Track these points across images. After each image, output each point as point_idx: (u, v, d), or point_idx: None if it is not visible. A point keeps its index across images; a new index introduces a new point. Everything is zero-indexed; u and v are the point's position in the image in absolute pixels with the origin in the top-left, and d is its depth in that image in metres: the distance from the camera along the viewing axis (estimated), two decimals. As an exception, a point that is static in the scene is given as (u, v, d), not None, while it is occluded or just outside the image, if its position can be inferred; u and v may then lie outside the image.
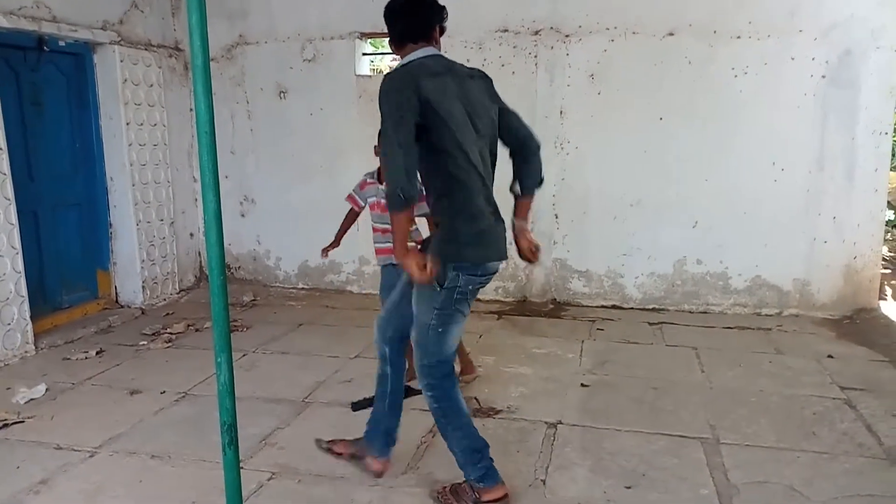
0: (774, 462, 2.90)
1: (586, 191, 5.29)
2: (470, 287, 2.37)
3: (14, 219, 4.23)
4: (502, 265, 2.54)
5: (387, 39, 2.54)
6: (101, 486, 2.74)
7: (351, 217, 3.79)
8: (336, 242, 3.84)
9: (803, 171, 4.96)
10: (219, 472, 2.12)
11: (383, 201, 3.47)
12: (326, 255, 3.86)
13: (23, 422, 3.35)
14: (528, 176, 2.59)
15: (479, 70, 2.54)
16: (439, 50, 2.47)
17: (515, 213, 2.63)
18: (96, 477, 2.81)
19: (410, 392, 3.48)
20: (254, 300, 5.71)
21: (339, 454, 2.89)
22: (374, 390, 2.79)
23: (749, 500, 2.60)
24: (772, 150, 4.97)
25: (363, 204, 3.63)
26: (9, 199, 4.20)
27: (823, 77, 4.82)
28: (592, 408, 3.47)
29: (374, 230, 3.58)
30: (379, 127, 2.40)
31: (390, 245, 3.35)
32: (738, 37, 4.89)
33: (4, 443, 3.13)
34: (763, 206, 5.04)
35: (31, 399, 3.61)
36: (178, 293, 5.81)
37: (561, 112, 5.23)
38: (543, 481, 2.76)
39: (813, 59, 4.82)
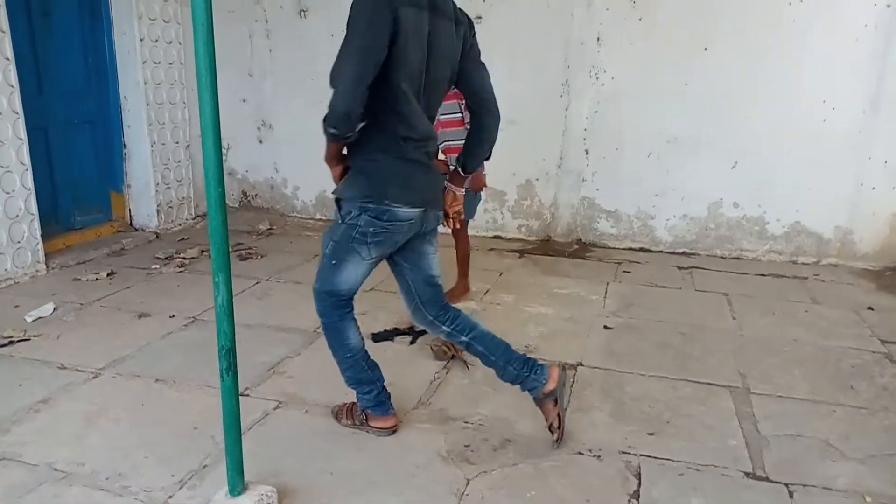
0: (808, 415, 2.72)
1: (620, 125, 4.99)
2: (371, 230, 2.15)
3: (23, 133, 4.09)
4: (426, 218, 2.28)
5: None
6: (102, 407, 2.66)
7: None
8: None
9: (856, 111, 4.59)
10: (219, 399, 2.00)
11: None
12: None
13: (28, 340, 3.28)
14: (476, 151, 2.36)
15: (463, 13, 2.24)
16: None
17: (449, 179, 2.41)
18: (98, 398, 2.73)
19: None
20: (270, 229, 5.58)
21: None
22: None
23: (780, 454, 2.43)
24: (823, 87, 4.61)
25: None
26: (17, 113, 4.04)
27: (889, 6, 4.39)
28: (615, 351, 3.30)
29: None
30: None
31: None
32: (797, -40, 4.47)
33: (9, 360, 3.07)
34: (809, 147, 4.71)
35: (39, 318, 3.54)
36: (193, 219, 5.69)
37: (598, 38, 4.89)
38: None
39: (878, -15, 4.40)
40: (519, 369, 2.40)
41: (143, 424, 2.55)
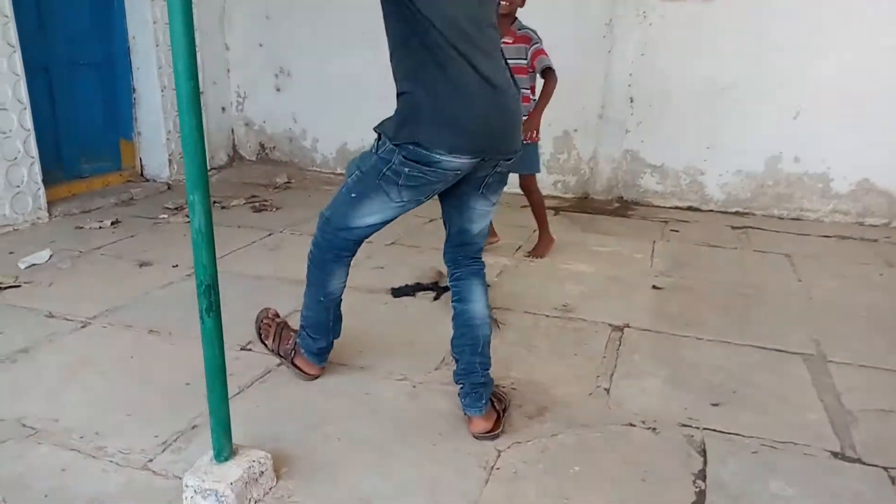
0: (898, 388, 2.33)
1: (669, 70, 4.51)
2: (406, 170, 1.76)
3: (20, 69, 3.78)
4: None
5: None
6: (86, 359, 2.36)
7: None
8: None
9: (940, 54, 4.08)
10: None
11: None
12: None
13: (19, 286, 3.00)
14: None
15: None
16: None
17: None
18: (83, 349, 2.44)
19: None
20: (287, 183, 5.25)
21: None
22: None
23: (871, 432, 2.04)
24: (902, 27, 4.09)
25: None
26: (13, 46, 3.73)
27: None
28: (667, 312, 2.91)
29: None
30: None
31: None
32: None
33: (-6, 307, 2.79)
34: (881, 95, 4.20)
35: (33, 264, 3.26)
36: (208, 171, 5.38)
37: (647, -29, 4.41)
38: (607, 390, 2.25)
39: None
40: (463, 378, 2.01)
41: (130, 379, 2.24)
